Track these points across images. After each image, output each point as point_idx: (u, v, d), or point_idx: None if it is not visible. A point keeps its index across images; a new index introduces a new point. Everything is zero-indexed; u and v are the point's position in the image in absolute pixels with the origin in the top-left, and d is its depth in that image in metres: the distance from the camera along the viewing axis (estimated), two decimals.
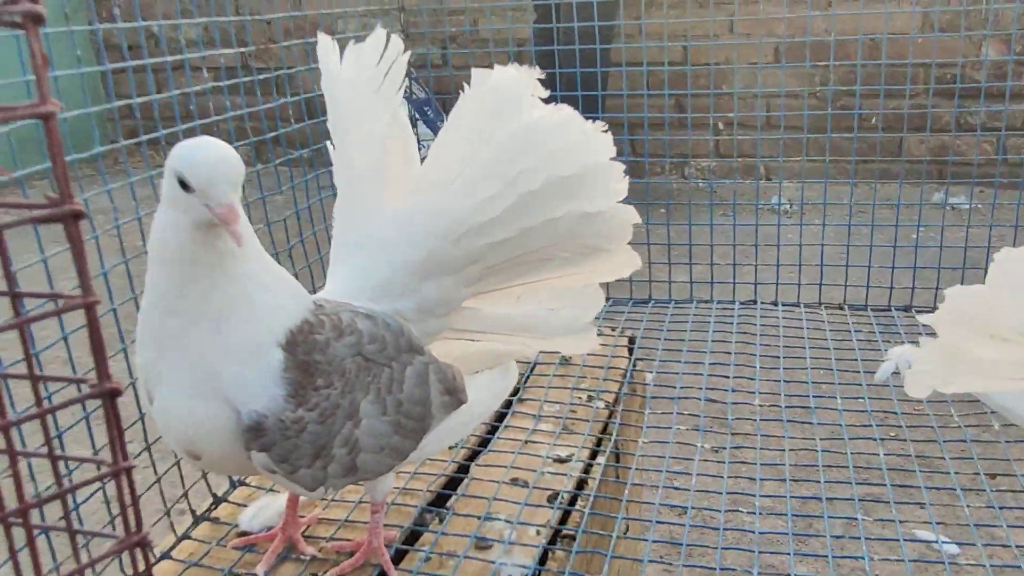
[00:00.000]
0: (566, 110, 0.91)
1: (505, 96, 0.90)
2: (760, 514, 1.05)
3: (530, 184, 0.88)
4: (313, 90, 1.48)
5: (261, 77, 1.36)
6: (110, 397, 0.40)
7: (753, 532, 1.02)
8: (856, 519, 1.02)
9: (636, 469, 1.19)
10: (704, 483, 1.11)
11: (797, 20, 3.23)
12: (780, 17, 2.11)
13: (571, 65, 1.69)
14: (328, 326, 0.84)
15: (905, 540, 0.94)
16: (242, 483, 1.15)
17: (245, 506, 1.08)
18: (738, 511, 1.35)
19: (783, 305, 1.59)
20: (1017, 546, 0.92)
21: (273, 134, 1.36)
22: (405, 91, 1.00)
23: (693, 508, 1.05)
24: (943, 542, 0.97)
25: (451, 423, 0.96)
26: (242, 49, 1.31)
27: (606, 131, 0.92)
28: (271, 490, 1.12)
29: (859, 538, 0.96)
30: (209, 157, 0.73)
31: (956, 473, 1.06)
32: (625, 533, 1.27)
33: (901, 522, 0.98)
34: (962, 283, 1.50)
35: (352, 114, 0.98)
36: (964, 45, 3.35)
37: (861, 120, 1.71)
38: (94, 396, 0.40)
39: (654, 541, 1.03)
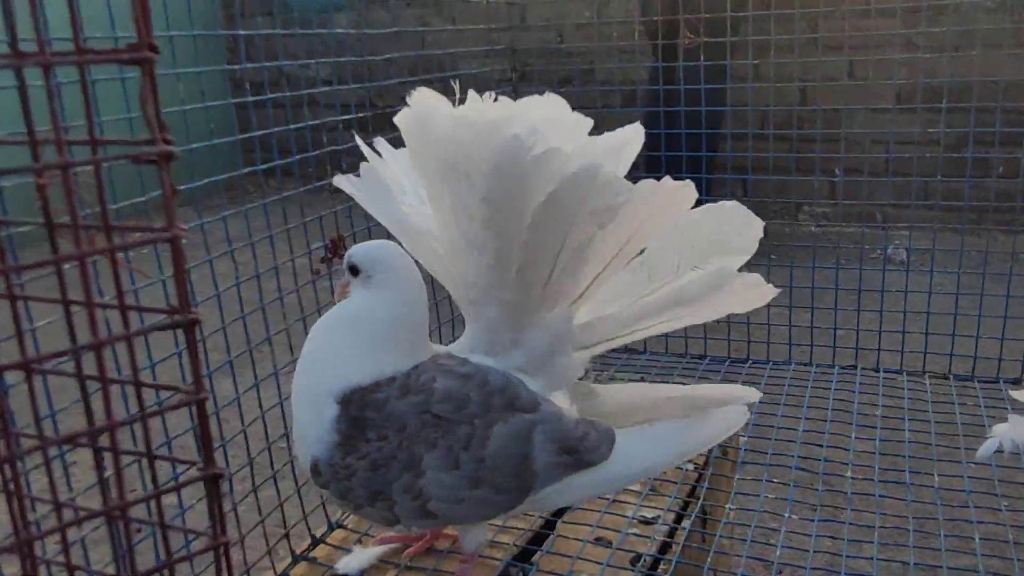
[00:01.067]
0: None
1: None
2: None
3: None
4: None
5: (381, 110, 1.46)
6: (214, 481, 0.46)
7: None
8: None
9: (722, 537, 1.19)
10: (791, 548, 1.10)
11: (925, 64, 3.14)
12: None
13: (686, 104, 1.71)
14: (396, 385, 0.93)
15: None
16: (340, 525, 1.21)
17: (342, 548, 1.14)
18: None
19: (885, 372, 1.55)
20: None
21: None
22: None
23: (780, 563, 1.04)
24: None
25: (581, 480, 0.97)
26: (365, 84, 1.41)
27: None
28: (367, 533, 1.18)
29: None
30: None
31: None
32: None
33: None
34: None
35: None
36: None
37: (986, 168, 1.66)
38: (200, 479, 0.45)
39: None
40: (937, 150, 1.79)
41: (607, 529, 1.15)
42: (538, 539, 1.16)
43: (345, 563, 1.12)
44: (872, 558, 1.09)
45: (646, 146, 1.01)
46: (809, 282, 1.61)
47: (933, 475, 1.23)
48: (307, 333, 0.96)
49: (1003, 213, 3.17)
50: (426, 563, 1.10)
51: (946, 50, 2.08)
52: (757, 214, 0.94)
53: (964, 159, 1.60)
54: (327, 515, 1.23)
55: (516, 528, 1.17)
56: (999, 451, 1.19)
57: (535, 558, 1.11)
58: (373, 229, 1.32)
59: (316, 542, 1.18)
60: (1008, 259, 1.56)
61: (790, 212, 4.02)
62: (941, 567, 1.06)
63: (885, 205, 1.79)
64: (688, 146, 1.73)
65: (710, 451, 1.32)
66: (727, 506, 1.26)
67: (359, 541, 1.17)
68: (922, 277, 1.57)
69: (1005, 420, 1.30)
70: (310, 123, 1.27)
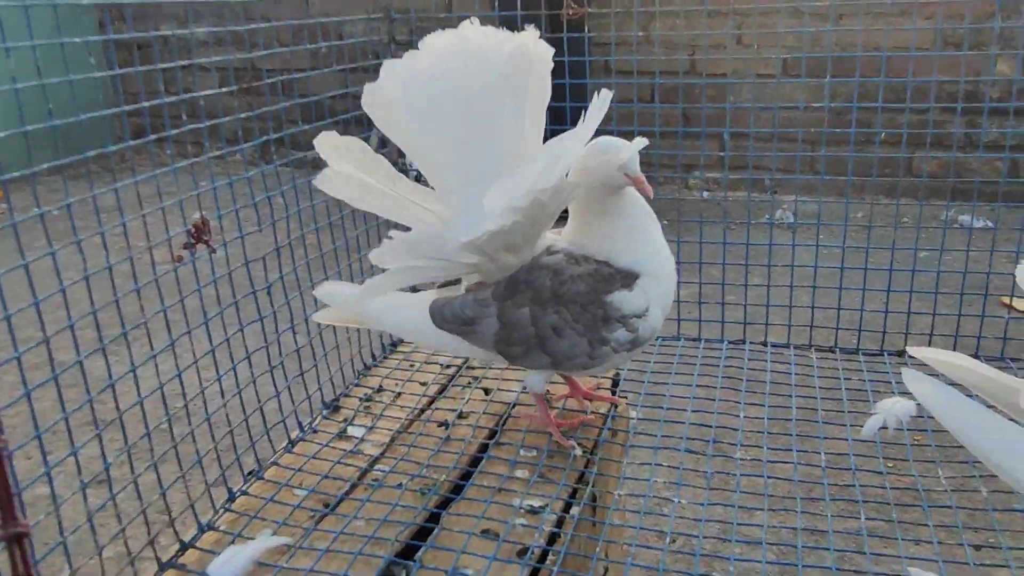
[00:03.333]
0: None
1: None
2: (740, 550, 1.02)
3: None
4: (323, 91, 1.50)
5: (269, 80, 1.39)
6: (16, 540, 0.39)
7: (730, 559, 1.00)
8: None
9: (615, 512, 1.16)
10: (685, 519, 1.09)
11: (805, 33, 3.18)
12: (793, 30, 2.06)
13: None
14: None
15: None
16: (211, 527, 1.13)
17: (213, 552, 1.07)
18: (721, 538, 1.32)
19: (772, 346, 1.56)
20: None
21: (278, 135, 1.36)
22: None
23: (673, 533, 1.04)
24: None
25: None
26: (251, 55, 1.33)
27: None
28: (240, 535, 1.11)
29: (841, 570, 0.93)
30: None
31: (939, 543, 1.03)
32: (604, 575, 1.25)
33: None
34: (960, 311, 1.49)
35: None
36: (975, 62, 3.30)
37: (867, 136, 1.68)
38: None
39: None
40: (822, 118, 1.80)
41: (493, 520, 1.11)
42: (422, 534, 1.11)
43: (218, 567, 1.05)
44: (762, 525, 1.09)
45: None
46: (697, 256, 1.60)
47: (820, 445, 1.24)
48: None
49: (886, 178, 3.28)
50: (304, 563, 1.04)
51: (830, 20, 2.10)
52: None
53: (848, 127, 1.61)
54: (212, 502, 1.17)
55: (399, 522, 1.11)
56: (883, 428, 1.21)
57: (419, 554, 1.06)
58: (241, 212, 1.23)
59: (185, 547, 1.10)
60: (892, 224, 1.57)
61: (680, 180, 4.07)
62: (827, 531, 1.07)
63: (775, 177, 1.79)
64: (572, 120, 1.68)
65: (599, 433, 1.30)
66: (617, 490, 1.24)
67: (232, 543, 1.10)
68: (810, 249, 1.57)
69: (889, 394, 1.32)
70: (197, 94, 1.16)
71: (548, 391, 1.36)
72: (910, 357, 0.77)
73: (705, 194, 4.02)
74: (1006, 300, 1.62)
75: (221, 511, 1.17)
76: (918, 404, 1.27)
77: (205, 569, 1.04)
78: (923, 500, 1.12)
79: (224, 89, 1.30)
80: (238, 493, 1.21)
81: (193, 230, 1.14)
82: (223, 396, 1.20)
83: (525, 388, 1.36)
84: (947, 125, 3.25)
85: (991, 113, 2.38)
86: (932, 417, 1.28)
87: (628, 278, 1.16)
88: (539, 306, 1.17)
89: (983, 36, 3.29)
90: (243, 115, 1.29)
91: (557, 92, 1.68)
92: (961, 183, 2.43)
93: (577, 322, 1.16)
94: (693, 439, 1.26)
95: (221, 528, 1.14)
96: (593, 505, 1.19)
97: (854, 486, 1.14)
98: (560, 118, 1.69)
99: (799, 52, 3.35)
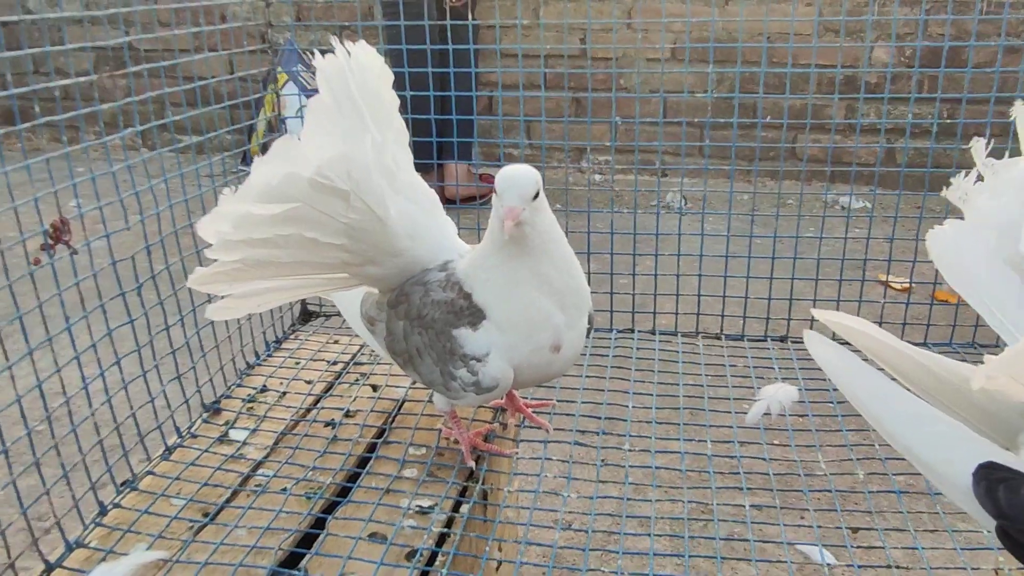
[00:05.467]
0: None
1: None
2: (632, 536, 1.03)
3: None
4: (208, 76, 1.42)
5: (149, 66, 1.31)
6: None
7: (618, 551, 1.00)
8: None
9: (507, 507, 1.15)
10: (579, 503, 1.09)
11: (695, 18, 3.24)
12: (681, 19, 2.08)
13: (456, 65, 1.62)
14: None
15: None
16: (80, 545, 1.06)
17: (82, 572, 1.01)
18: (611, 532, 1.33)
19: (660, 334, 1.58)
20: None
21: (160, 121, 1.29)
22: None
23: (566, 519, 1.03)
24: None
25: None
26: (127, 39, 1.26)
27: None
28: (112, 551, 1.05)
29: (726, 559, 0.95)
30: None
31: (819, 527, 1.06)
32: (497, 571, 1.24)
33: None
34: (840, 295, 1.54)
35: None
36: (852, 49, 3.43)
37: (751, 122, 1.71)
38: None
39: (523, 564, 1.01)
40: (707, 103, 1.82)
41: (381, 523, 1.08)
42: (308, 540, 1.08)
43: None
44: (650, 517, 1.11)
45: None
46: (587, 244, 1.60)
47: (706, 432, 1.26)
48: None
49: (770, 161, 3.38)
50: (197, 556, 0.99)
51: (714, 6, 2.14)
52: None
53: (732, 109, 1.63)
54: (81, 517, 1.10)
55: (283, 529, 1.07)
56: (767, 413, 1.24)
57: (303, 563, 1.03)
58: (105, 209, 1.15)
59: (51, 567, 1.03)
60: (776, 208, 1.61)
61: (572, 162, 4.10)
62: (712, 519, 1.09)
63: (664, 158, 1.80)
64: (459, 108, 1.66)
65: (491, 423, 1.28)
66: (507, 486, 1.23)
67: (103, 560, 1.03)
68: (698, 236, 1.59)
69: (773, 379, 1.36)
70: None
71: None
72: (813, 320, 0.77)
73: (598, 177, 4.06)
74: (883, 277, 1.69)
75: (91, 526, 1.10)
76: (800, 389, 1.32)
77: None
78: (804, 483, 1.15)
79: (100, 74, 1.22)
80: (110, 506, 1.14)
81: (51, 230, 1.06)
82: (91, 405, 1.13)
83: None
84: (826, 110, 3.37)
85: (868, 99, 2.47)
86: (813, 402, 1.33)
87: (476, 316, 1.09)
88: (409, 323, 1.13)
89: (860, 24, 3.41)
90: (123, 102, 1.22)
91: (442, 80, 1.66)
92: (840, 167, 2.52)
93: (432, 349, 1.11)
94: (583, 431, 1.26)
95: (91, 545, 1.07)
96: (484, 503, 1.17)
97: (739, 473, 1.16)
98: (445, 107, 1.66)
99: (685, 39, 3.41)
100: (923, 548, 1.02)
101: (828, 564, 1.24)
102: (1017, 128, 0.84)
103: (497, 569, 1.25)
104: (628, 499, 1.12)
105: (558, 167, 3.28)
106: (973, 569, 0.99)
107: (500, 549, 1.23)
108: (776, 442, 1.25)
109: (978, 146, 0.86)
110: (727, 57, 3.06)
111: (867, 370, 0.76)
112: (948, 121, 1.62)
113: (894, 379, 0.77)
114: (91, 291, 1.11)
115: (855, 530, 1.08)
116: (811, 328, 0.88)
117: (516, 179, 1.03)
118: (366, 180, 1.03)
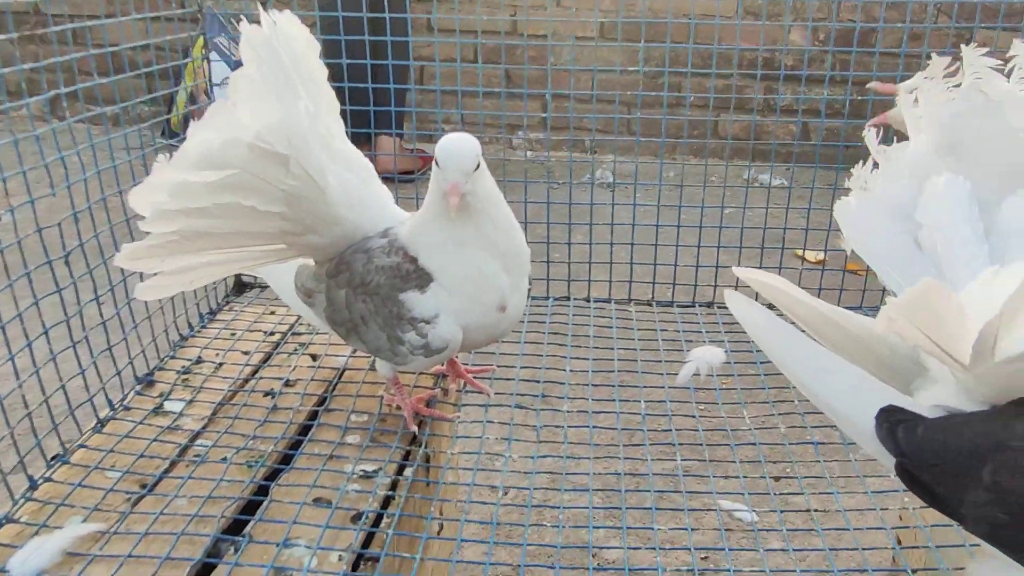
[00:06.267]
0: None
1: None
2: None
3: None
4: (120, 43, 1.38)
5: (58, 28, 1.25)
6: None
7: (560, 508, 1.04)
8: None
9: (449, 470, 1.17)
10: (516, 472, 1.11)
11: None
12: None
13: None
14: None
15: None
16: (10, 520, 1.04)
17: (14, 547, 0.98)
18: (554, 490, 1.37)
19: (595, 301, 1.62)
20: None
21: (70, 88, 1.24)
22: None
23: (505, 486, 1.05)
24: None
25: None
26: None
27: None
28: (45, 525, 1.03)
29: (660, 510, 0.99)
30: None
31: (744, 477, 1.12)
32: (439, 533, 1.26)
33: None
34: (761, 263, 1.61)
35: None
36: (772, 31, 3.53)
37: (678, 100, 1.76)
38: None
39: (463, 541, 1.04)
40: (637, 80, 1.87)
41: (325, 488, 1.09)
42: (251, 508, 1.08)
43: (19, 564, 0.97)
44: (588, 473, 1.14)
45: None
46: (523, 215, 1.63)
47: (640, 393, 1.30)
48: None
49: (695, 139, 3.46)
50: (121, 549, 0.98)
51: None
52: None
53: (659, 88, 1.68)
54: (10, 492, 1.07)
55: (224, 497, 1.07)
56: (696, 374, 1.29)
57: (247, 529, 1.03)
58: (29, 174, 1.12)
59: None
60: (701, 183, 1.66)
61: (504, 140, 4.11)
62: (647, 473, 1.13)
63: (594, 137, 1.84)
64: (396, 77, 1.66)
65: (432, 390, 1.30)
66: (450, 449, 1.25)
67: (36, 534, 1.01)
68: (629, 208, 1.64)
69: (701, 343, 1.41)
70: None
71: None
72: (738, 283, 0.81)
73: (529, 154, 4.08)
74: (799, 253, 1.76)
75: (22, 500, 1.08)
76: (726, 351, 1.38)
77: (3, 565, 0.95)
78: (730, 439, 1.20)
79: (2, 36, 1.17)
80: (40, 480, 1.11)
81: None
82: (17, 377, 1.10)
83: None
84: (748, 90, 3.46)
85: (786, 80, 2.56)
86: (738, 363, 1.39)
87: (424, 280, 1.11)
88: (352, 291, 1.13)
89: (779, 7, 3.51)
90: (28, 66, 1.16)
91: (379, 49, 1.65)
92: (760, 145, 2.60)
93: (378, 315, 1.12)
94: (523, 394, 1.29)
95: (22, 520, 1.04)
96: (427, 466, 1.19)
97: (671, 430, 1.21)
98: (382, 76, 1.66)
99: (615, 16, 3.45)
100: (838, 493, 1.08)
101: (753, 516, 1.31)
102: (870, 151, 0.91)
103: (439, 531, 1.28)
104: (568, 457, 1.16)
105: (492, 141, 3.29)
106: (882, 509, 1.07)
107: (441, 512, 1.25)
108: (704, 402, 1.31)
109: (870, 136, 0.92)
110: (655, 37, 3.12)
111: (784, 327, 0.81)
112: (860, 99, 1.70)
113: (808, 336, 0.83)
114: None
115: (777, 479, 1.14)
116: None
117: (457, 153, 1.04)
118: (304, 146, 1.03)
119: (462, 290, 1.11)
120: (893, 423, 0.75)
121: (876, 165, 0.91)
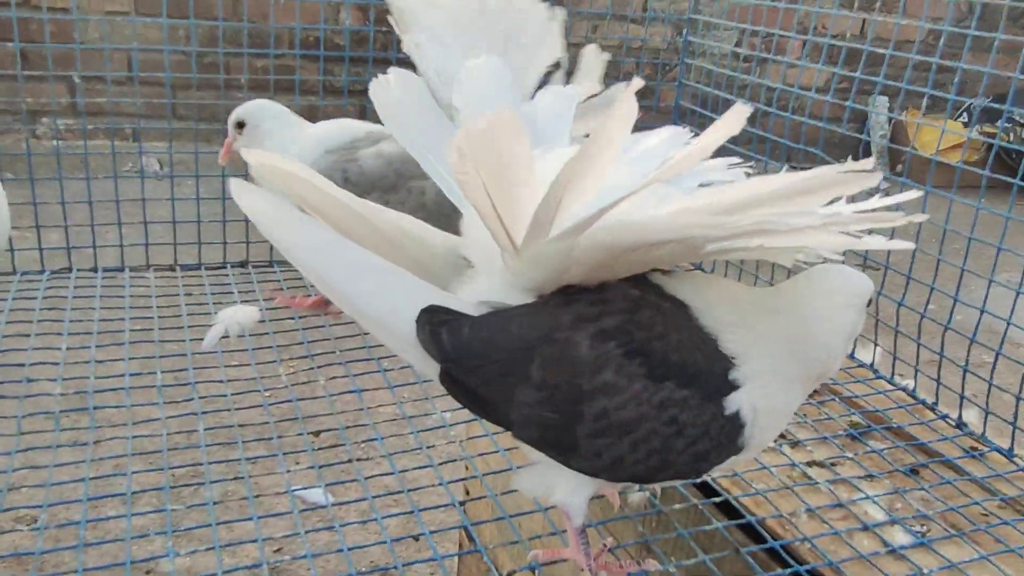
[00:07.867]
0: None
1: None
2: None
3: None
4: None
5: None
6: None
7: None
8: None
9: None
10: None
11: None
12: None
13: None
14: None
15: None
16: None
17: None
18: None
19: (104, 271, 1.39)
20: None
21: None
22: None
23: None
24: None
25: None
26: None
27: None
28: None
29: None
30: None
31: (279, 438, 1.01)
32: None
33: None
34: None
35: None
36: (325, 10, 3.48)
37: (230, 81, 1.62)
38: None
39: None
40: (186, 61, 1.65)
41: None
42: None
43: None
44: (84, 461, 0.94)
45: None
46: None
47: (157, 364, 1.13)
48: None
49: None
50: None
51: None
52: None
53: (215, 72, 1.52)
54: None
55: None
56: (225, 336, 1.15)
57: None
58: None
59: None
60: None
61: (25, 126, 3.57)
62: (161, 450, 0.98)
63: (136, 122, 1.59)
64: None
65: None
66: None
67: None
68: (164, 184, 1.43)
69: (232, 303, 1.27)
70: None
71: None
72: (250, 162, 0.68)
73: (59, 142, 3.59)
74: None
75: None
76: (261, 310, 1.25)
77: None
78: (263, 399, 1.09)
79: None
80: None
81: None
82: None
83: None
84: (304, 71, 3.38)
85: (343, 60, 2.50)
86: (273, 320, 1.27)
87: None
88: None
89: None
90: None
91: None
92: None
93: None
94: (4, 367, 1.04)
95: None
96: None
97: (192, 400, 1.06)
98: None
99: None
100: (382, 439, 1.02)
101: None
102: None
103: None
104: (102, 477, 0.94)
105: (9, 131, 2.81)
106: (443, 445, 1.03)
107: None
108: (235, 363, 1.17)
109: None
110: (204, 13, 2.88)
111: (306, 221, 0.70)
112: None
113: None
114: None
115: (316, 433, 1.05)
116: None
117: None
118: None
119: None
120: (436, 325, 0.67)
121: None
